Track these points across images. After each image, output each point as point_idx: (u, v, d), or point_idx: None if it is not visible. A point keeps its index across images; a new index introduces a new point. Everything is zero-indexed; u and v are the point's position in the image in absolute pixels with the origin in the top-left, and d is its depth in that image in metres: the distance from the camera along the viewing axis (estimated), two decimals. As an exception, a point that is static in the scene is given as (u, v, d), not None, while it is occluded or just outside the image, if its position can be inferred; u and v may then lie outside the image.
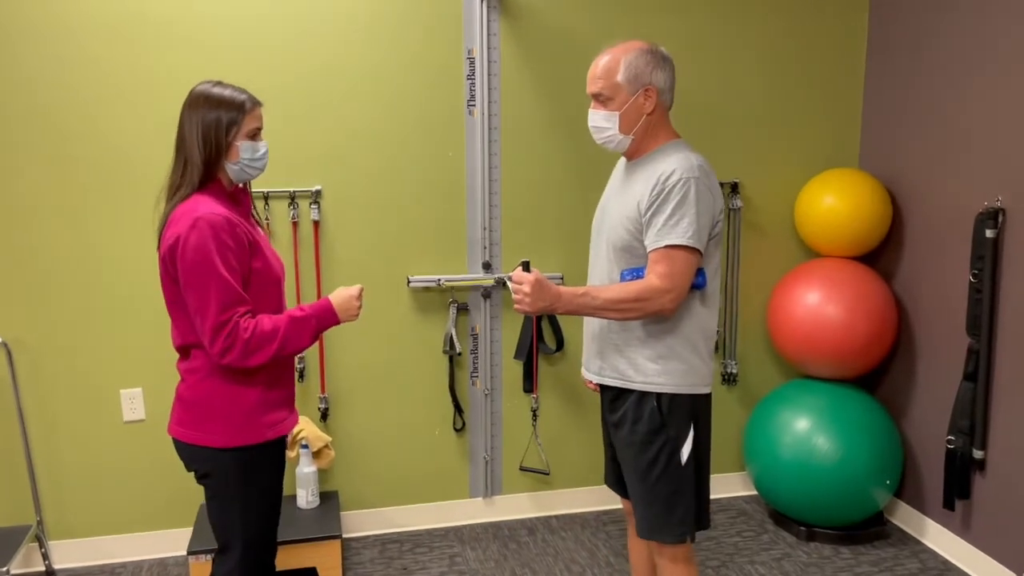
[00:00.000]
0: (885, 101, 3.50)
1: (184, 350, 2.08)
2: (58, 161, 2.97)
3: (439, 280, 3.27)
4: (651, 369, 2.17)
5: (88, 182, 3.00)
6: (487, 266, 3.33)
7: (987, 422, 3.01)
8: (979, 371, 2.99)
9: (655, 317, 2.13)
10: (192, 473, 2.14)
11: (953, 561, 3.18)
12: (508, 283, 2.25)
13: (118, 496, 3.19)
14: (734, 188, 3.53)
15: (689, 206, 2.06)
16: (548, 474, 3.53)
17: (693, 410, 2.21)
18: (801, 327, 3.33)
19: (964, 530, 3.15)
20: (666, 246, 2.06)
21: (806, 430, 3.27)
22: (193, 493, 3.21)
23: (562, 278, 3.40)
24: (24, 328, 3.04)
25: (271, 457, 2.13)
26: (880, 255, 3.52)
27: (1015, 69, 2.84)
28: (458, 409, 3.41)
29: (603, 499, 3.63)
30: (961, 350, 3.09)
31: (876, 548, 3.31)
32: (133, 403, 3.15)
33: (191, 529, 3.14)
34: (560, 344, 3.43)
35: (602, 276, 2.27)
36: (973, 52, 3.04)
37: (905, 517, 3.45)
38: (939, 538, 3.27)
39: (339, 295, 2.12)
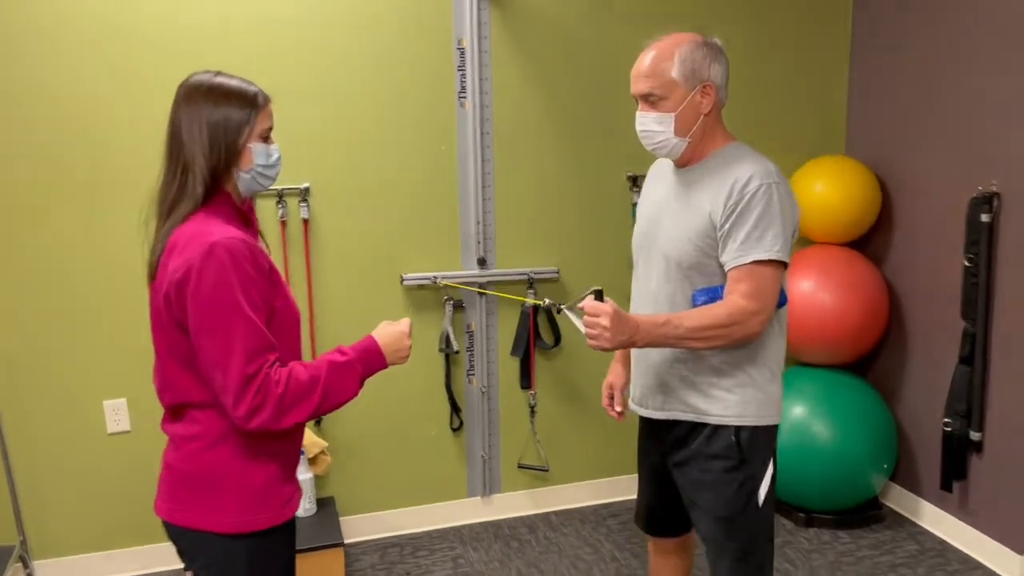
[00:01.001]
0: (871, 88, 3.51)
1: (178, 409, 1.66)
2: (34, 161, 2.81)
3: (435, 277, 3.19)
4: (730, 400, 1.97)
5: (66, 182, 2.85)
6: (482, 262, 3.26)
7: (984, 404, 3.05)
8: (975, 354, 3.03)
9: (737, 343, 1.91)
10: (184, 564, 1.75)
11: (950, 541, 3.23)
12: (564, 312, 1.99)
13: (105, 511, 3.05)
14: (725, 177, 3.51)
15: (773, 216, 1.85)
16: (548, 471, 3.49)
17: (771, 443, 2.03)
18: (795, 314, 3.33)
19: (960, 510, 3.20)
20: (752, 262, 1.84)
21: (802, 417, 3.28)
22: (184, 505, 3.09)
23: (558, 272, 3.35)
24: (0, 337, 2.88)
25: (288, 537, 1.74)
26: (869, 241, 3.54)
27: (1003, 54, 2.87)
28: (455, 408, 3.34)
29: (601, 493, 3.60)
30: (954, 334, 3.13)
31: (874, 531, 3.34)
32: (117, 414, 3.01)
33: (185, 543, 3.02)
34: (558, 339, 3.38)
35: (659, 298, 2.01)
36: (959, 38, 3.06)
37: (899, 500, 3.49)
38: (934, 519, 3.31)
39: (386, 333, 1.72)
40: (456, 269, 3.26)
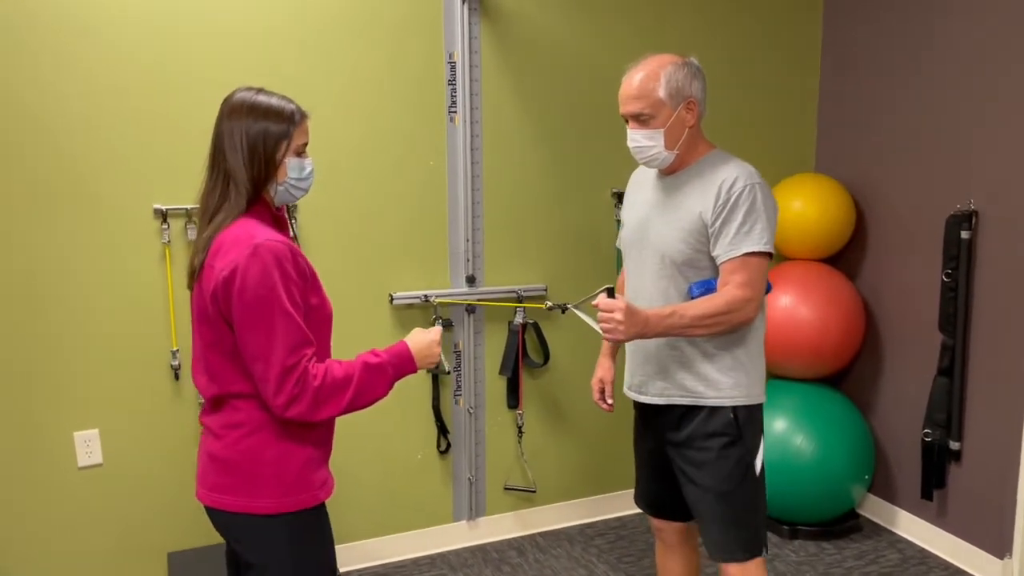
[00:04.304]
0: (841, 108, 3.62)
1: (219, 401, 1.78)
2: None
3: (425, 296, 3.11)
4: (725, 383, 2.14)
5: (32, 196, 2.65)
6: (471, 280, 3.19)
7: (962, 414, 3.16)
8: (954, 366, 3.13)
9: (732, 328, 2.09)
10: (233, 548, 1.86)
11: (930, 549, 3.31)
12: (572, 310, 2.12)
13: (75, 551, 2.82)
14: (705, 194, 3.55)
15: (759, 212, 2.04)
16: (535, 492, 3.43)
17: (761, 419, 2.21)
18: (777, 329, 3.38)
19: (939, 518, 3.29)
20: (744, 254, 2.03)
21: (784, 430, 3.33)
22: (161, 542, 2.91)
23: (546, 289, 3.31)
24: (-41, 368, 2.65)
25: (324, 521, 1.86)
26: (843, 257, 3.63)
27: (976, 73, 2.99)
28: (443, 430, 3.25)
29: (586, 512, 3.56)
30: (930, 346, 3.23)
31: (855, 541, 3.41)
32: (89, 446, 2.81)
33: (166, 582, 2.84)
34: (547, 358, 3.33)
35: (654, 294, 2.18)
36: (930, 59, 3.18)
37: (876, 509, 3.58)
38: (912, 528, 3.40)
39: (418, 340, 1.86)
40: (444, 287, 3.18)
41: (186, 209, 2.79)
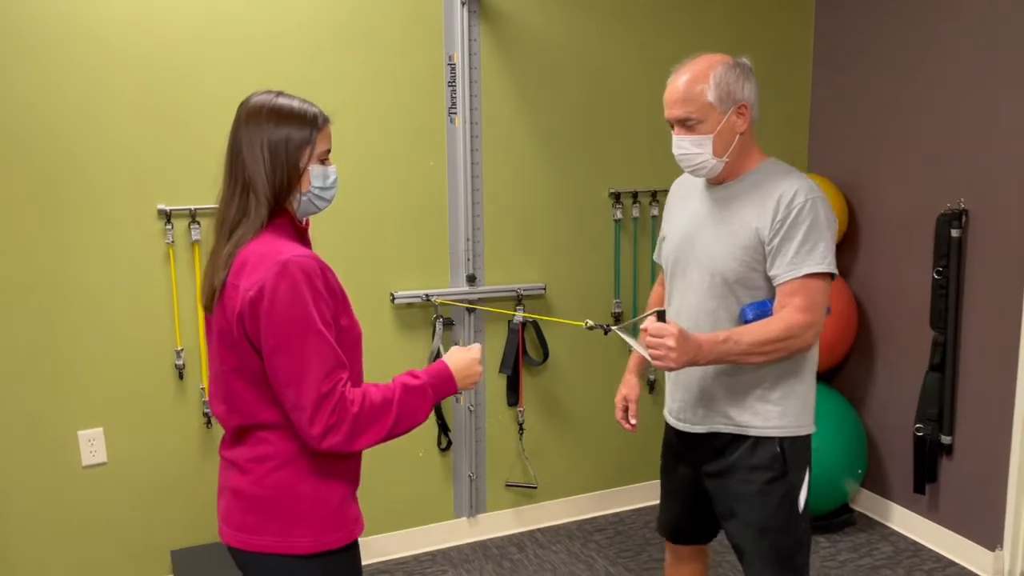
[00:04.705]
0: (833, 108, 3.68)
1: (242, 432, 1.64)
2: None
3: (426, 295, 3.14)
4: (772, 413, 1.99)
5: (33, 194, 2.66)
6: (471, 279, 3.23)
7: (954, 410, 3.22)
8: (945, 362, 3.19)
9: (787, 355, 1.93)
10: None
11: (922, 542, 3.37)
12: (616, 332, 1.93)
13: (79, 549, 2.84)
14: (700, 194, 3.59)
15: (821, 229, 1.89)
16: (536, 488, 3.47)
17: (808, 449, 2.06)
18: (771, 327, 3.44)
19: (931, 512, 3.35)
20: (805, 275, 1.87)
21: (778, 426, 3.38)
22: (165, 540, 2.93)
23: (544, 288, 3.35)
24: (-36, 368, 2.66)
25: (357, 560, 1.73)
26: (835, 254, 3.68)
27: (966, 72, 3.06)
28: (443, 428, 3.29)
29: (584, 508, 3.61)
30: (921, 343, 3.29)
31: (848, 535, 3.46)
32: (93, 445, 2.82)
33: (171, 579, 2.86)
34: (546, 355, 3.37)
35: (700, 315, 2.01)
36: (922, 57, 3.24)
37: (869, 503, 3.64)
38: (905, 521, 3.46)
39: (458, 358, 1.71)
40: (444, 286, 3.22)
41: (190, 209, 2.81)
